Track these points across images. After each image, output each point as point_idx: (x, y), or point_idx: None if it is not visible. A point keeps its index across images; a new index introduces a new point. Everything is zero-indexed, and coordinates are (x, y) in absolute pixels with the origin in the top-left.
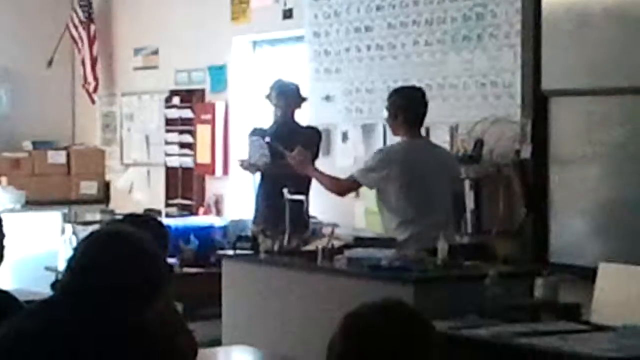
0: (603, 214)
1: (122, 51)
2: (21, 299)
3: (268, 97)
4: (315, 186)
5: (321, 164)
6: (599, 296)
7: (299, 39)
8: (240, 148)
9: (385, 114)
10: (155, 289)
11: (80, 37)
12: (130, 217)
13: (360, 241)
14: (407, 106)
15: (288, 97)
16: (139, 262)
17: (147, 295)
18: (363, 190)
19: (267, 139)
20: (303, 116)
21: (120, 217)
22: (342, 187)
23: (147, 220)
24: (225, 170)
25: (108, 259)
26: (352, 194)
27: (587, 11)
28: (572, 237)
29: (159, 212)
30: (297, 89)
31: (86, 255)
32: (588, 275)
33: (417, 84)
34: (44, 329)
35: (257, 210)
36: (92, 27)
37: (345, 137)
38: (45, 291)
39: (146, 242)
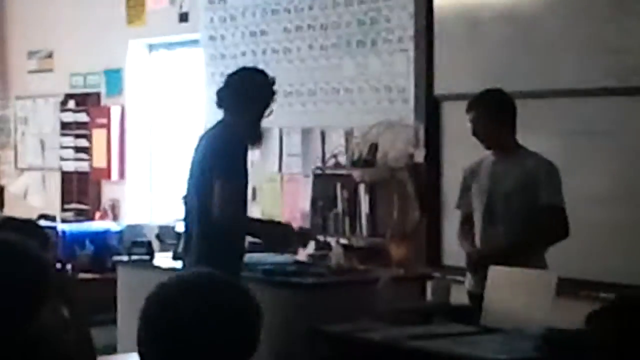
0: None
1: (16, 54)
2: None
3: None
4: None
5: None
6: (490, 299)
7: (195, 42)
8: (136, 152)
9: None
10: (39, 293)
11: None
12: (10, 222)
13: (254, 246)
14: None
15: None
16: (21, 267)
17: (31, 299)
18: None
19: None
20: (199, 122)
21: None
22: None
23: (26, 224)
24: (122, 175)
25: None
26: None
27: (478, 15)
28: None
29: (54, 217)
30: None
31: None
32: None
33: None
34: None
35: None
36: None
37: None
38: None
39: (30, 248)
